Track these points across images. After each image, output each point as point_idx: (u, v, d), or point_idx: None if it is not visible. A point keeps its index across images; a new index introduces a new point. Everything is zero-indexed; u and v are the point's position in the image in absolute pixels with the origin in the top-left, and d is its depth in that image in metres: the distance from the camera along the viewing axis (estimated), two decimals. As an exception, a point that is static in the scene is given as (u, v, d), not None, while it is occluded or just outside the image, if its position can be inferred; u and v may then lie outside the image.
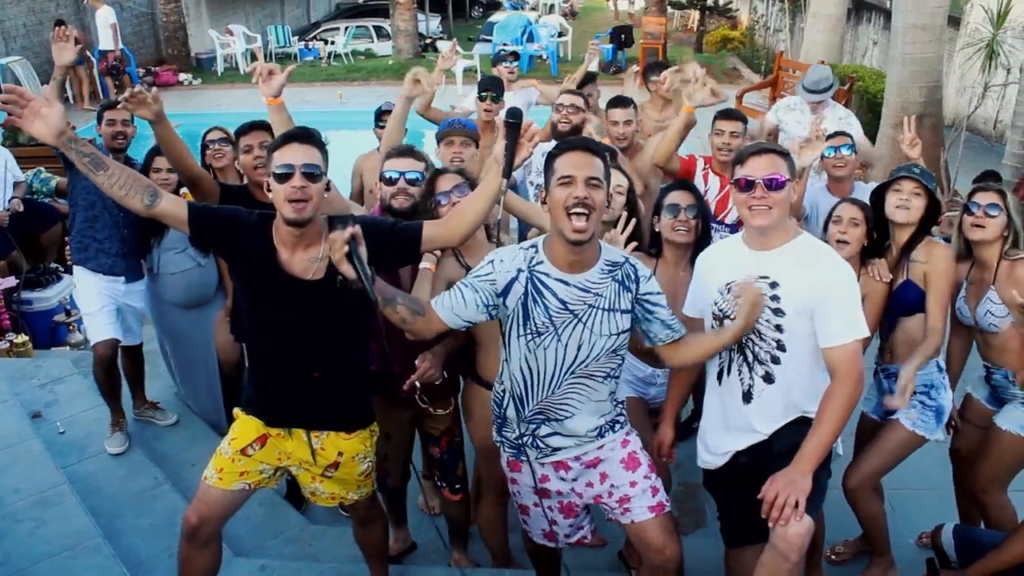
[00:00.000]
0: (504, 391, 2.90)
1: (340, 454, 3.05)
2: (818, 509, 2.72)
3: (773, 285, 2.78)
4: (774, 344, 2.80)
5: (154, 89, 3.71)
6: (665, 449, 3.14)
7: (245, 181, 4.23)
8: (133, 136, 4.57)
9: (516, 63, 6.78)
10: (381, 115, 5.12)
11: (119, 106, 3.90)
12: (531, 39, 18.89)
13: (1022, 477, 3.58)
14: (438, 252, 3.22)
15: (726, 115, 4.65)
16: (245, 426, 3.03)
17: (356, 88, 16.74)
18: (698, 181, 4.63)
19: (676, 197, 3.54)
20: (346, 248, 2.47)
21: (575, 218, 2.56)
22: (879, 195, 3.63)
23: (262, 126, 4.06)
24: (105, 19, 14.72)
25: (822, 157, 4.46)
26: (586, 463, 2.94)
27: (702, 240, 3.56)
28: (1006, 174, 6.78)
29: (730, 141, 4.53)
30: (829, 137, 4.49)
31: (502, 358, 2.86)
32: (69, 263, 5.29)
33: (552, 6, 28.00)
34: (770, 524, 2.64)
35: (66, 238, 5.50)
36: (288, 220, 2.75)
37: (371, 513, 3.38)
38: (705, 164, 4.70)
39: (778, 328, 2.78)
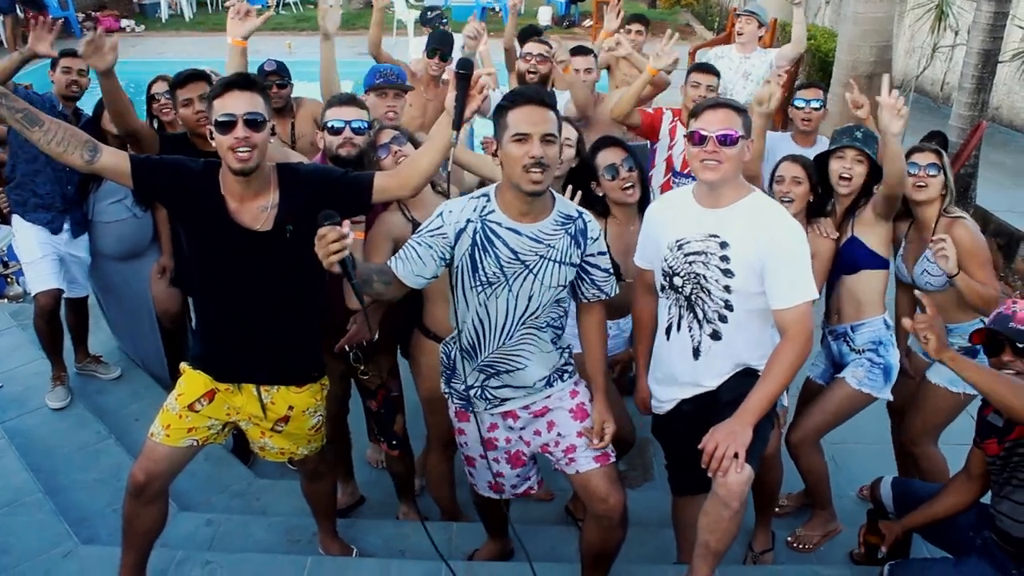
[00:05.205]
0: (455, 341, 2.89)
1: (291, 408, 3.02)
2: (758, 459, 2.76)
3: (723, 245, 2.77)
4: (722, 303, 2.81)
5: (113, 36, 3.51)
6: (646, 404, 3.17)
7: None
8: (87, 87, 4.41)
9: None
10: (267, 76, 4.35)
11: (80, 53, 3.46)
12: (484, -9, 18.59)
13: (956, 431, 3.67)
14: (361, 218, 3.19)
15: (702, 68, 4.70)
16: (192, 381, 2.97)
17: (305, 38, 16.31)
18: (664, 134, 4.63)
19: (609, 156, 3.50)
20: (343, 253, 2.39)
21: (533, 173, 2.56)
22: (822, 161, 3.66)
23: (199, 76, 3.93)
24: None
25: (794, 107, 4.52)
26: (534, 412, 2.95)
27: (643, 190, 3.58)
28: (952, 135, 6.87)
29: (706, 94, 4.54)
30: (803, 88, 4.72)
31: (453, 308, 2.84)
32: (6, 212, 5.11)
33: (506, -42, 27.56)
34: (709, 474, 2.68)
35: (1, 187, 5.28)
36: (233, 170, 2.68)
37: (320, 468, 3.36)
38: (674, 116, 4.70)
39: (727, 289, 2.79)
